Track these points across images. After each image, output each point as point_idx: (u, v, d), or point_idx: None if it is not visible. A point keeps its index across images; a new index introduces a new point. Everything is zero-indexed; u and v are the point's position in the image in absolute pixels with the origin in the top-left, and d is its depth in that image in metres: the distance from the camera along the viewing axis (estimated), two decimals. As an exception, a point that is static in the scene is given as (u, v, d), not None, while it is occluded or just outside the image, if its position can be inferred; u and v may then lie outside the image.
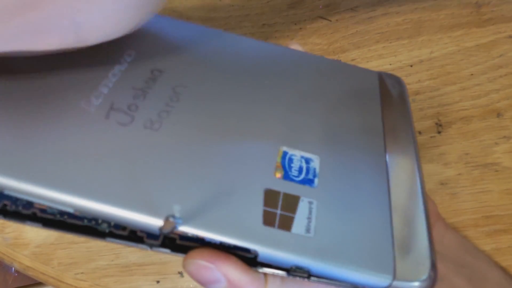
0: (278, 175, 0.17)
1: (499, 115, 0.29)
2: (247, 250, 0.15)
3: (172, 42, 0.21)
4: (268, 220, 0.15)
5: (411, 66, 0.30)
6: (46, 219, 0.15)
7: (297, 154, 0.18)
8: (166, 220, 0.14)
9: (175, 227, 0.14)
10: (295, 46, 0.23)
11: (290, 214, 0.16)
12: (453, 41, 0.29)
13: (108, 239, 0.15)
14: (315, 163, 0.18)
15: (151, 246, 0.15)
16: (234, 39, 0.23)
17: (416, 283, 0.15)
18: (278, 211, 0.16)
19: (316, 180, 0.17)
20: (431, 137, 0.29)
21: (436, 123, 0.29)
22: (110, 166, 0.15)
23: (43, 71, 0.17)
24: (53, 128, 0.15)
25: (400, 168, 0.18)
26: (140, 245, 0.15)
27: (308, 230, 0.15)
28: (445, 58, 0.29)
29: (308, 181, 0.17)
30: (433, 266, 0.15)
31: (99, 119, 0.16)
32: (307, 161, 0.18)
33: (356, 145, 0.19)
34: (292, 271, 0.15)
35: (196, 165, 0.16)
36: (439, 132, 0.29)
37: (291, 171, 0.17)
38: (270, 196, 0.16)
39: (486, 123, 0.29)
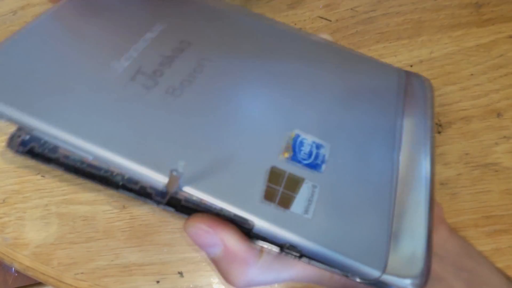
0: (287, 155, 0.17)
1: (499, 115, 0.29)
2: (244, 220, 0.15)
3: (205, 17, 0.22)
4: (269, 195, 0.16)
5: (411, 66, 0.29)
6: (68, 164, 0.17)
7: (308, 139, 0.18)
8: (170, 174, 0.14)
9: (179, 186, 0.15)
10: (325, 36, 0.23)
11: (292, 194, 0.16)
12: (453, 41, 0.29)
13: (121, 190, 0.16)
14: (326, 150, 0.18)
15: (158, 203, 0.16)
16: (268, 22, 0.23)
17: (406, 280, 0.15)
18: (281, 188, 0.16)
19: (323, 166, 0.17)
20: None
21: (436, 123, 0.29)
22: (128, 122, 0.16)
23: (84, 31, 0.19)
24: (84, 82, 0.17)
25: (411, 168, 0.18)
26: (148, 201, 0.16)
27: (306, 211, 0.16)
28: (445, 58, 0.29)
29: (315, 166, 0.17)
30: (427, 266, 0.15)
31: (125, 80, 0.18)
32: (318, 146, 0.18)
33: (370, 139, 0.19)
34: (285, 248, 0.15)
35: (208, 133, 0.17)
36: (439, 132, 0.29)
37: (300, 153, 0.17)
38: (275, 174, 0.16)
39: (486, 123, 0.29)
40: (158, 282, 0.30)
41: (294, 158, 0.17)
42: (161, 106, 0.17)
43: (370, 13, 0.30)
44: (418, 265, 0.15)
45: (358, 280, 0.15)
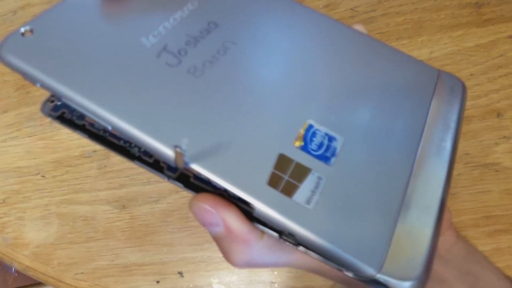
0: (297, 144, 0.17)
1: (499, 115, 0.29)
2: (246, 203, 0.16)
3: (235, 0, 0.22)
4: (273, 182, 0.16)
5: (411, 66, 0.30)
6: (92, 132, 0.18)
7: (322, 130, 0.18)
8: (175, 150, 0.15)
9: (184, 161, 0.16)
10: (359, 27, 0.23)
11: (296, 183, 0.16)
12: (453, 41, 0.29)
13: (136, 162, 0.18)
14: (338, 143, 0.18)
15: (169, 177, 0.17)
16: (299, 9, 0.23)
17: (403, 283, 0.15)
18: (286, 176, 0.16)
19: (333, 159, 0.17)
20: (431, 137, 0.29)
21: (436, 123, 0.29)
22: (146, 97, 0.17)
23: (118, 6, 0.20)
24: (112, 55, 0.18)
25: (426, 172, 0.18)
26: (160, 174, 0.18)
27: (308, 202, 0.16)
28: (445, 58, 0.29)
29: (324, 158, 0.17)
30: (426, 271, 0.15)
31: (151, 56, 0.19)
32: (330, 139, 0.18)
33: (389, 139, 0.18)
34: (284, 235, 0.16)
35: (223, 114, 0.18)
36: (439, 132, 0.29)
37: (311, 144, 0.17)
38: (283, 161, 0.17)
39: (486, 123, 0.29)
40: (158, 282, 0.30)
41: (304, 148, 0.17)
42: (181, 84, 0.18)
43: (370, 13, 0.30)
44: (416, 269, 0.15)
45: (352, 276, 0.15)
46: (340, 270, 0.15)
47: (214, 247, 0.30)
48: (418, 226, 0.16)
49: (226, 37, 0.21)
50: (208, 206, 0.17)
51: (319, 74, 0.20)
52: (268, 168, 0.16)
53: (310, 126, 0.18)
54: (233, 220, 0.17)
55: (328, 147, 0.17)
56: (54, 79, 0.17)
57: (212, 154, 0.16)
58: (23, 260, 0.32)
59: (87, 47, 0.18)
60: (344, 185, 0.17)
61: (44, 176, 0.32)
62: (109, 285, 0.31)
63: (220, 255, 0.27)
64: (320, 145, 0.17)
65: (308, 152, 0.17)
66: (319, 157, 0.17)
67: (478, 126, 0.29)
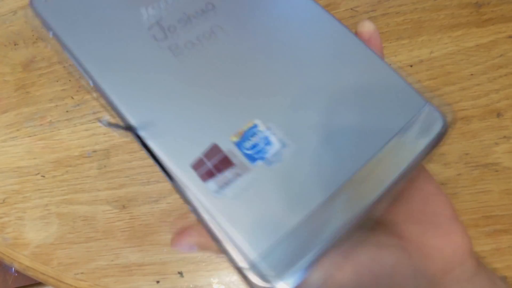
0: (233, 139, 0.19)
1: (499, 115, 0.29)
2: (169, 176, 0.18)
3: None
4: (197, 165, 0.18)
5: (411, 66, 0.29)
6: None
7: (263, 132, 0.19)
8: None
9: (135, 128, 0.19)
10: (368, 24, 0.21)
11: (215, 172, 0.18)
12: (453, 41, 0.29)
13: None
14: (273, 149, 0.19)
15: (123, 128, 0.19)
16: (303, 7, 0.23)
17: (270, 278, 0.16)
18: (209, 164, 0.18)
19: (258, 162, 0.18)
20: (431, 137, 0.29)
21: (436, 123, 0.29)
22: (123, 63, 0.20)
23: None
24: (112, 20, 0.21)
25: (349, 195, 0.19)
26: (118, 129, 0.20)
27: (218, 191, 0.18)
28: (445, 58, 0.29)
29: (251, 158, 0.18)
30: (301, 279, 0.16)
31: (143, 27, 0.21)
32: (267, 143, 0.19)
33: (334, 158, 0.19)
34: (186, 203, 0.18)
35: (181, 95, 0.20)
36: (439, 132, 0.29)
37: (246, 142, 0.19)
38: (213, 151, 0.19)
39: (486, 123, 0.29)
40: (158, 282, 0.30)
41: (238, 144, 0.19)
42: (158, 59, 0.20)
43: (370, 13, 0.30)
44: (291, 275, 0.16)
45: (232, 258, 0.17)
46: (227, 256, 0.17)
47: (214, 247, 0.30)
48: (318, 235, 0.17)
49: (216, 21, 0.21)
50: (176, 243, 0.20)
51: (293, 78, 0.20)
52: (198, 152, 0.18)
53: (254, 126, 0.19)
54: (194, 240, 0.20)
55: (260, 150, 0.18)
56: (61, 31, 0.21)
57: (157, 125, 0.19)
58: (23, 260, 0.32)
59: (93, 10, 0.21)
60: (258, 187, 0.18)
61: (44, 176, 0.32)
62: (109, 285, 0.31)
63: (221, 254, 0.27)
64: (254, 146, 0.19)
65: (240, 149, 0.18)
66: (247, 156, 0.18)
67: (478, 126, 0.29)
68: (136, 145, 0.31)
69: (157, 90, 0.20)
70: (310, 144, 0.19)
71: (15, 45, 0.33)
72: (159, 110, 0.19)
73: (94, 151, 0.32)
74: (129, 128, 0.20)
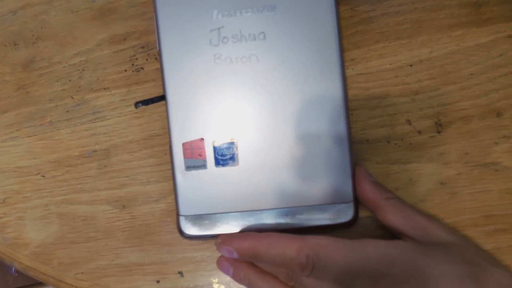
0: (215, 144, 0.26)
1: (498, 114, 0.29)
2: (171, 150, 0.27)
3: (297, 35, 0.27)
4: (185, 145, 0.26)
5: (411, 65, 0.30)
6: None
7: (234, 150, 0.26)
8: None
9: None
10: (362, 171, 0.27)
11: (193, 156, 0.27)
12: (453, 41, 0.29)
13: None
14: (233, 164, 0.26)
15: None
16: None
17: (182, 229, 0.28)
18: (192, 150, 0.26)
19: (219, 166, 0.27)
20: (431, 136, 0.29)
21: (436, 123, 0.29)
22: (185, 48, 0.26)
23: None
24: (194, 14, 0.26)
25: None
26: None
27: (187, 168, 0.27)
28: (444, 57, 0.29)
29: (217, 161, 0.27)
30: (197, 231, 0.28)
31: (208, 27, 0.26)
32: (232, 158, 0.26)
33: (262, 187, 0.27)
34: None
35: (204, 91, 0.26)
36: (438, 132, 0.29)
37: (220, 149, 0.26)
38: (199, 143, 0.26)
39: (485, 122, 0.29)
40: (158, 281, 0.31)
41: (215, 148, 0.26)
42: (202, 59, 0.26)
43: (370, 13, 0.30)
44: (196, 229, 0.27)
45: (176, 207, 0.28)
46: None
47: (214, 246, 0.30)
48: (222, 223, 0.27)
49: (257, 52, 0.26)
50: (222, 246, 0.26)
51: (278, 122, 0.26)
52: (190, 138, 0.26)
53: (232, 143, 0.26)
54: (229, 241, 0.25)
55: (225, 160, 0.26)
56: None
57: (181, 100, 0.26)
58: (23, 260, 0.32)
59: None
60: (209, 181, 0.27)
61: (44, 176, 0.32)
62: (110, 284, 0.31)
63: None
64: (223, 155, 0.26)
65: (214, 151, 0.26)
66: (215, 158, 0.26)
67: (477, 125, 0.29)
68: (136, 145, 0.31)
69: (193, 79, 0.26)
70: (258, 171, 0.26)
71: (15, 45, 0.33)
72: (186, 92, 0.26)
73: (94, 151, 0.32)
74: (163, 97, 0.27)
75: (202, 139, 0.26)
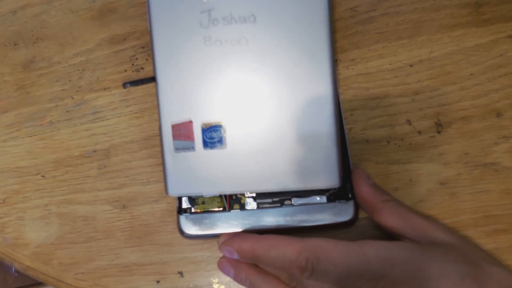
0: (203, 126, 0.26)
1: (498, 115, 0.29)
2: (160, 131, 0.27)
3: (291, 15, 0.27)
4: (174, 126, 0.26)
5: (411, 66, 0.30)
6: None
7: (222, 133, 0.26)
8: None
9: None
10: (359, 173, 0.27)
11: (181, 138, 0.26)
12: (453, 41, 0.29)
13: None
14: (221, 147, 0.26)
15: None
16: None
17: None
18: (181, 131, 0.26)
19: (207, 148, 0.26)
20: (431, 137, 0.29)
21: (436, 123, 0.29)
22: (176, 29, 0.26)
23: None
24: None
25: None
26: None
27: (176, 150, 0.26)
28: (444, 58, 0.29)
29: (205, 143, 0.26)
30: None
31: (199, 9, 0.25)
32: (220, 141, 0.26)
33: (248, 169, 0.27)
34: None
35: (194, 72, 0.26)
36: (438, 132, 0.29)
37: (208, 132, 0.26)
38: (188, 125, 0.26)
39: (485, 123, 0.29)
40: (158, 282, 0.31)
41: (204, 130, 0.26)
42: (192, 40, 0.26)
43: (370, 13, 0.30)
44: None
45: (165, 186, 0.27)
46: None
47: (214, 247, 0.30)
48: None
49: (247, 34, 0.26)
50: (224, 245, 0.26)
51: (266, 105, 0.26)
52: (180, 119, 0.26)
53: (219, 126, 0.26)
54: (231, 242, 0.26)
55: (213, 143, 0.26)
56: None
57: (171, 82, 0.26)
58: (23, 260, 0.32)
59: None
60: (196, 162, 0.26)
61: (44, 176, 0.32)
62: (109, 285, 0.31)
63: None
64: (211, 138, 0.26)
65: (202, 134, 0.26)
66: (203, 141, 0.26)
67: (477, 125, 0.29)
68: (136, 145, 0.31)
69: (183, 61, 0.26)
70: (246, 154, 0.26)
71: (15, 45, 0.33)
72: (176, 74, 0.26)
73: (94, 151, 0.32)
74: (153, 78, 0.27)
75: (191, 121, 0.26)
